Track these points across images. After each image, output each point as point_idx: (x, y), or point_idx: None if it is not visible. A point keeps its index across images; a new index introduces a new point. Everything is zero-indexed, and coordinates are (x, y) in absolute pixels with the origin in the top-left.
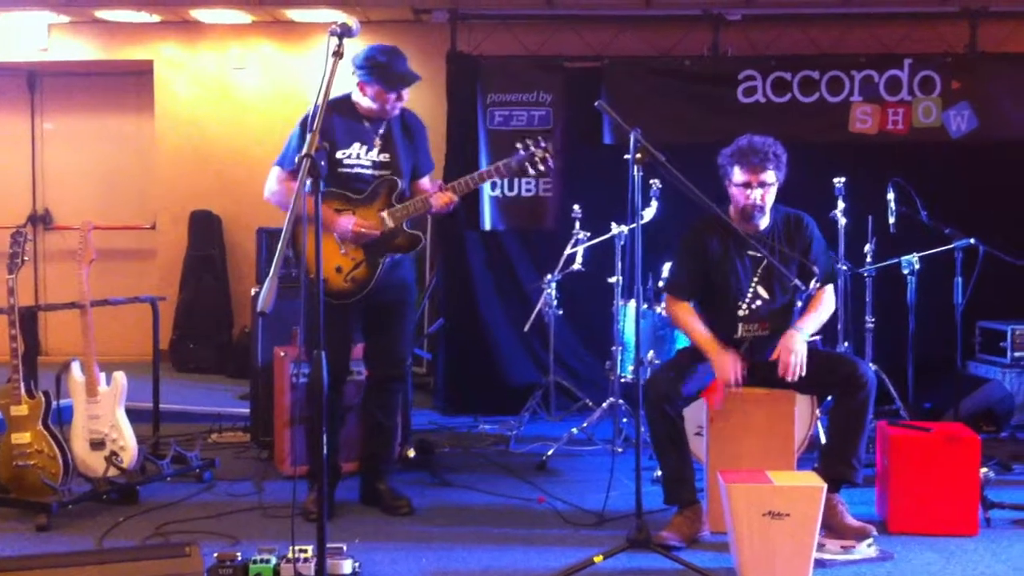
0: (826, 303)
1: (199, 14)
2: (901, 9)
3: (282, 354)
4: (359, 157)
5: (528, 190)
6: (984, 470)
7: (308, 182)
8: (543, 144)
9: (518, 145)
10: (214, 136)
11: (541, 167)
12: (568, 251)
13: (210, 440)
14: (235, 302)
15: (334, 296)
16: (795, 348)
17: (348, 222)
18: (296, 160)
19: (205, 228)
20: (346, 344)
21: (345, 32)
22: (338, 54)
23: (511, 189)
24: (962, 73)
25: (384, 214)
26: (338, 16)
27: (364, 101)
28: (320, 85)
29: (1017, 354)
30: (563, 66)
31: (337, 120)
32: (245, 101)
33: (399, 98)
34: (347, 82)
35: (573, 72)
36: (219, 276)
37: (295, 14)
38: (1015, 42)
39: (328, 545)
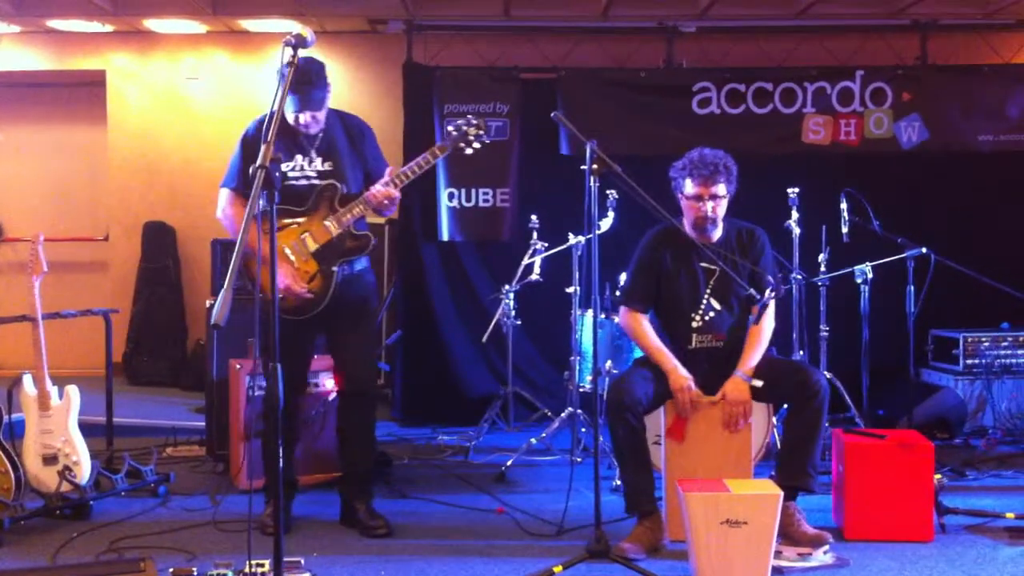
0: (766, 328)
1: (152, 24)
2: (853, 22)
3: (237, 367)
4: (303, 169)
5: (486, 201)
6: (938, 476)
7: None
8: (475, 121)
9: (450, 128)
10: (168, 147)
11: (477, 144)
12: (525, 261)
13: (165, 454)
14: (190, 314)
15: (292, 312)
16: (740, 399)
17: (283, 280)
18: (251, 172)
19: (159, 239)
20: (303, 359)
21: (299, 43)
22: (292, 65)
23: (468, 200)
24: (913, 85)
25: (327, 222)
26: (293, 27)
27: (289, 112)
28: (274, 96)
29: (969, 361)
30: (519, 77)
31: (278, 134)
32: (199, 112)
33: (296, 119)
34: None
35: (530, 83)
36: (173, 288)
37: (249, 24)
38: (964, 54)
39: (285, 559)
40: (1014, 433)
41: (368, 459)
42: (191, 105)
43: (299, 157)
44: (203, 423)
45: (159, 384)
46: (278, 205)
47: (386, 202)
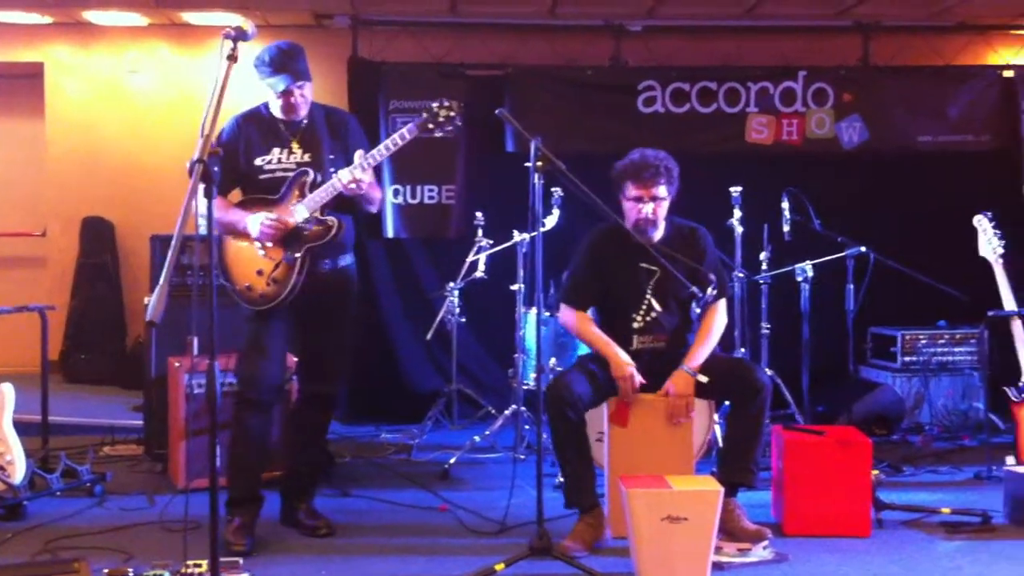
0: (716, 327)
1: (92, 16)
2: (797, 23)
3: (177, 364)
4: (280, 161)
5: (431, 197)
6: (876, 472)
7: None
8: (447, 102)
9: (424, 114)
10: (108, 140)
11: (448, 126)
12: (470, 259)
13: (102, 453)
14: (129, 311)
15: (258, 302)
16: (684, 392)
17: (258, 218)
18: (187, 167)
19: (98, 235)
20: (279, 357)
21: (240, 35)
22: (232, 58)
23: (414, 197)
24: (854, 86)
25: (295, 206)
26: (236, 20)
27: (274, 104)
28: (213, 89)
29: (907, 359)
30: (466, 74)
31: (253, 128)
32: (140, 105)
33: (288, 93)
34: (242, 86)
35: (477, 80)
36: (112, 284)
37: (192, 17)
38: (906, 56)
39: (223, 559)
40: (950, 429)
41: (319, 460)
42: (132, 98)
43: (276, 150)
44: (141, 422)
45: (97, 382)
46: (254, 196)
47: (353, 186)
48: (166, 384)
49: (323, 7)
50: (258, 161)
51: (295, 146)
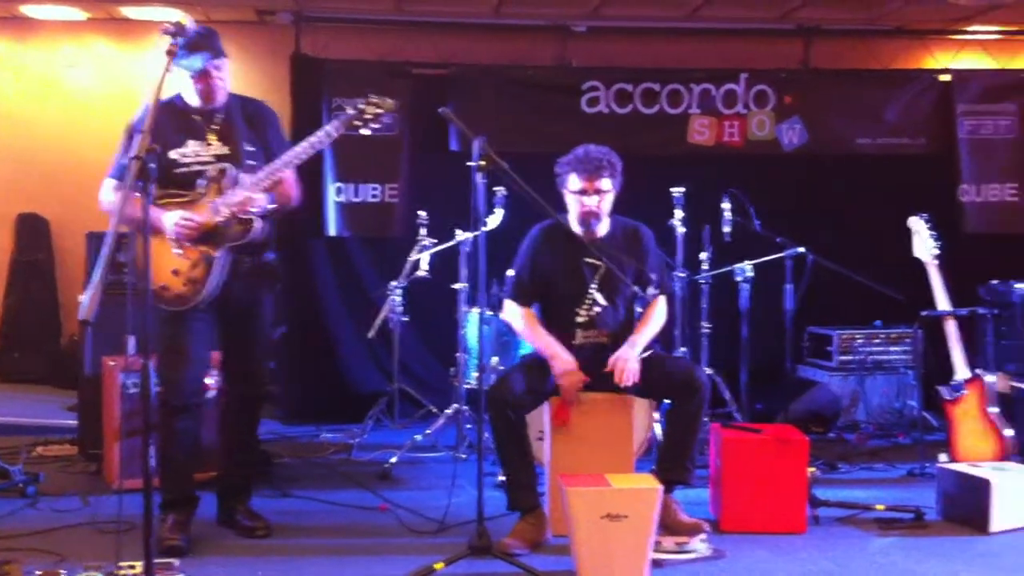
0: (657, 316)
1: (29, 10)
2: (739, 25)
3: (111, 363)
4: (197, 155)
5: (374, 196)
6: (812, 470)
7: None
8: (374, 99)
9: (348, 109)
10: (44, 136)
11: (375, 124)
12: (413, 257)
13: (35, 453)
14: (64, 309)
15: (174, 302)
16: (628, 358)
17: (174, 216)
18: (125, 162)
19: (32, 232)
20: (201, 359)
21: (178, 31)
22: (171, 53)
23: (356, 195)
24: (794, 88)
25: (213, 204)
26: (176, 15)
27: (189, 91)
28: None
29: (843, 358)
30: (411, 72)
31: (167, 120)
32: (78, 100)
33: (206, 74)
34: (181, 83)
35: (421, 78)
36: (47, 282)
37: (131, 11)
38: (846, 59)
39: (158, 560)
40: (885, 427)
41: (252, 458)
42: (69, 94)
43: (192, 143)
44: (76, 421)
45: (31, 381)
46: (168, 191)
47: (278, 186)
48: (101, 383)
49: (266, 3)
50: (172, 154)
51: (211, 138)
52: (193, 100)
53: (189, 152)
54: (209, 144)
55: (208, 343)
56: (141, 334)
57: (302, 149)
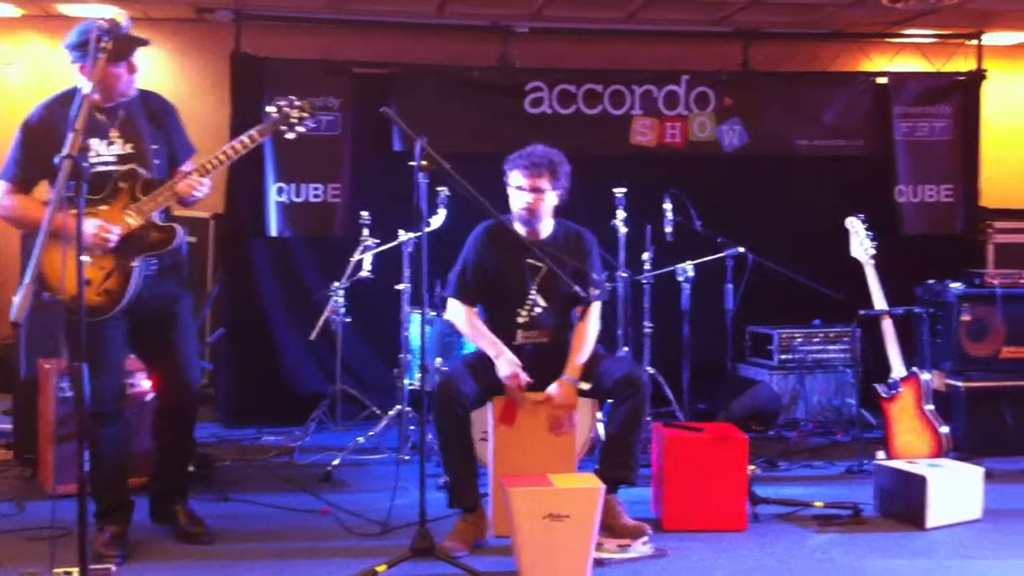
0: (591, 332)
1: None
2: (680, 28)
3: (47, 366)
4: (99, 154)
5: (316, 196)
6: (752, 467)
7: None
8: (298, 102)
9: (270, 108)
10: None
11: (300, 127)
12: (356, 258)
13: None
14: None
15: (89, 314)
16: (566, 403)
17: (89, 226)
18: (57, 161)
19: None
20: (118, 367)
21: (113, 28)
22: (105, 50)
23: (298, 195)
24: (734, 90)
25: (128, 211)
26: (112, 11)
27: (87, 85)
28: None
29: (783, 357)
30: (352, 71)
31: (63, 120)
32: (13, 98)
33: (132, 69)
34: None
35: (363, 77)
36: None
37: (67, 8)
38: (785, 61)
39: (94, 567)
40: (824, 425)
41: (183, 466)
42: (6, 92)
43: (95, 141)
44: (10, 425)
45: None
46: (71, 195)
47: (196, 194)
48: (36, 387)
49: (205, 1)
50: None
51: (115, 135)
52: (95, 95)
53: (92, 152)
54: (112, 143)
55: (123, 349)
56: (74, 339)
57: (224, 154)
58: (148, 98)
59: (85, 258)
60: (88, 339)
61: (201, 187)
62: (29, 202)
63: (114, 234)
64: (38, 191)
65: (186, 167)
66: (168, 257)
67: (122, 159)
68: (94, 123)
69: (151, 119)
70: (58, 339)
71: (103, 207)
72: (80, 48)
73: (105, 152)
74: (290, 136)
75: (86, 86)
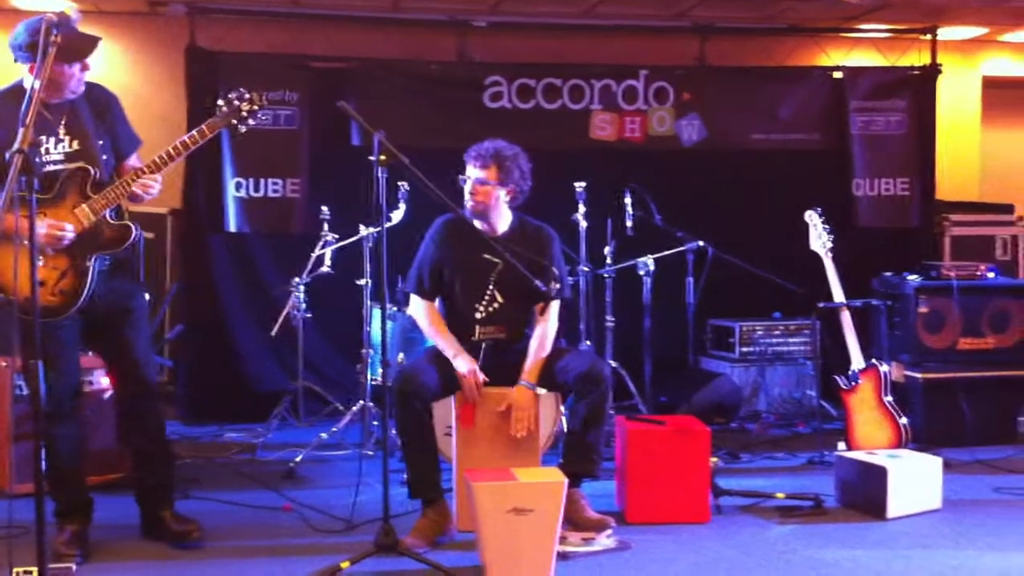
0: (548, 334)
1: None
2: (638, 23)
3: (3, 364)
4: (48, 152)
5: (275, 191)
6: (714, 460)
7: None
8: (248, 95)
9: (220, 102)
10: None
11: (251, 120)
12: (316, 253)
13: None
14: None
15: (43, 315)
16: (525, 407)
17: (39, 226)
18: (8, 157)
19: None
20: (72, 365)
21: (63, 21)
22: (54, 44)
23: (257, 190)
24: (692, 85)
25: (79, 210)
26: (63, 5)
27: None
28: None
29: (744, 349)
30: (309, 65)
31: (10, 115)
32: None
33: (85, 67)
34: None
35: (320, 72)
36: None
37: (20, 2)
38: (742, 56)
39: (53, 566)
40: (785, 417)
41: (163, 467)
42: None
43: (42, 139)
44: None
45: None
46: (23, 192)
47: (150, 191)
48: None
49: None
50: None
51: (62, 132)
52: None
53: (40, 151)
54: (60, 140)
55: (77, 347)
56: (27, 339)
57: (174, 149)
58: (91, 90)
59: (40, 260)
60: (42, 338)
61: (154, 185)
62: None
63: (68, 232)
64: None
65: (132, 161)
66: (121, 253)
67: (70, 157)
68: (42, 121)
69: (96, 114)
70: (12, 338)
71: (53, 207)
72: (29, 49)
73: (53, 150)
74: (242, 129)
75: (34, 82)
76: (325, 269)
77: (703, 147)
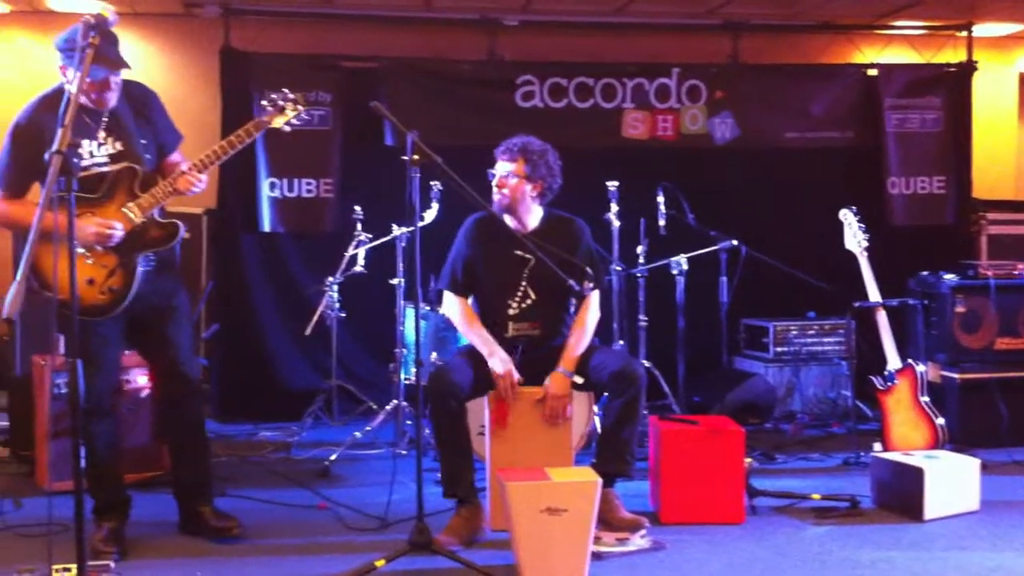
0: (589, 322)
1: None
2: (670, 21)
3: (42, 363)
4: (92, 155)
5: (308, 191)
6: (748, 460)
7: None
8: (291, 96)
9: (264, 103)
10: None
11: (295, 121)
12: (349, 253)
13: None
14: None
15: (92, 312)
16: (560, 394)
17: (88, 225)
18: (46, 158)
19: None
20: (113, 363)
21: (100, 23)
22: (93, 46)
23: (290, 190)
24: (725, 83)
25: (127, 208)
26: (99, 7)
27: (74, 90)
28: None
29: (779, 349)
30: (341, 65)
31: (53, 118)
32: (2, 96)
33: (105, 87)
34: None
35: (352, 72)
36: None
37: (55, 3)
38: (774, 54)
39: (92, 563)
40: (820, 417)
41: (202, 462)
42: None
43: (85, 142)
44: (6, 422)
45: None
46: (63, 193)
47: (194, 189)
48: (31, 383)
49: None
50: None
51: (103, 135)
52: (80, 99)
53: (84, 154)
54: (102, 143)
55: (119, 346)
56: (71, 336)
57: (221, 149)
58: (130, 88)
59: (80, 250)
60: (85, 336)
61: (199, 183)
62: (22, 207)
63: (117, 230)
64: (30, 194)
65: (175, 157)
66: (165, 251)
67: (114, 158)
68: (81, 125)
69: (135, 111)
70: (52, 335)
71: (101, 206)
72: (63, 51)
73: (97, 153)
74: (285, 129)
75: (72, 86)
76: (358, 269)
77: (736, 145)
